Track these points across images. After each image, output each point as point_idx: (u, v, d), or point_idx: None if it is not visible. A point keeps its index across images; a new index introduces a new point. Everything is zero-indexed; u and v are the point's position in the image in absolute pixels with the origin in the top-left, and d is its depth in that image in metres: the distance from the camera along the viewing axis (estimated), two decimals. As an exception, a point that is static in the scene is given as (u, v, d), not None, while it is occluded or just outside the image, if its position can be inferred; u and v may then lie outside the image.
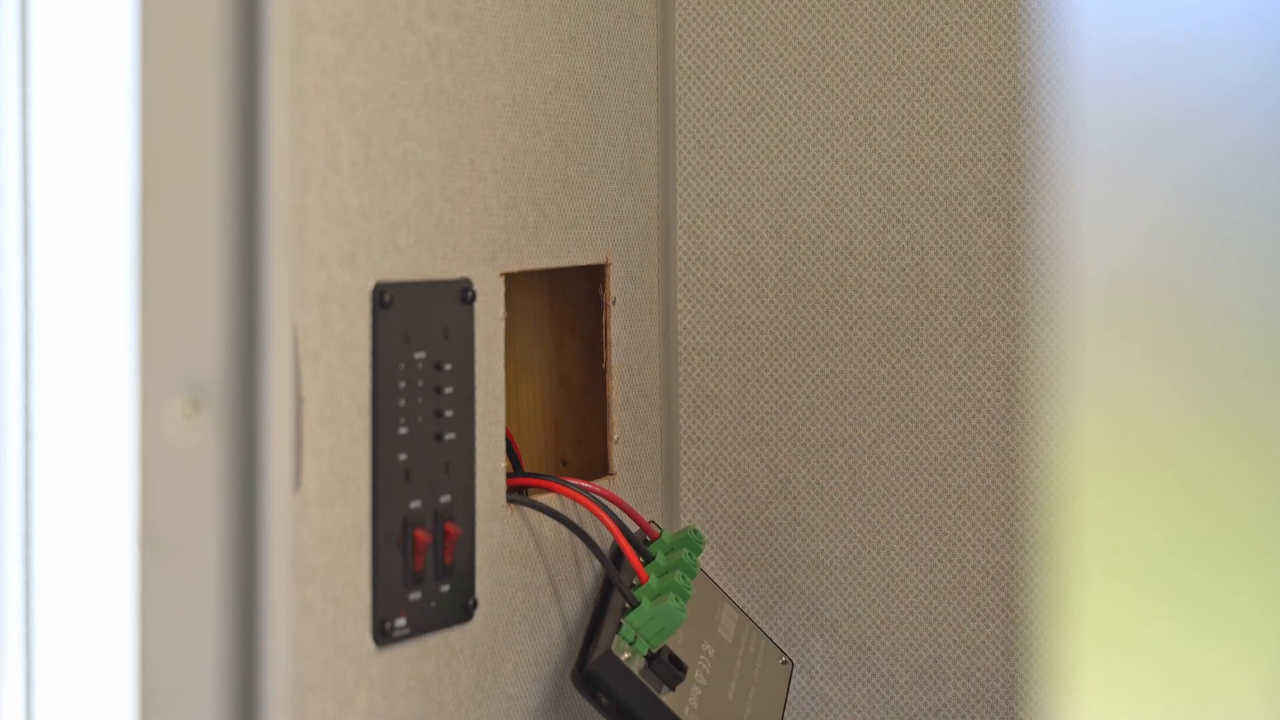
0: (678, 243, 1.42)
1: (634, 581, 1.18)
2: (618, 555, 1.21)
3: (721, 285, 1.42)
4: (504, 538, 1.14)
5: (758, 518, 1.43)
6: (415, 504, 1.04)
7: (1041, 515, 1.38)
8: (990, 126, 1.38)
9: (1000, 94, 1.38)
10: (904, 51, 1.39)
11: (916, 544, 1.40)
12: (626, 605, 1.16)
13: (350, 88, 0.98)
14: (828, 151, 1.41)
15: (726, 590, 1.38)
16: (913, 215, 1.40)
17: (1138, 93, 0.49)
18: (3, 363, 0.77)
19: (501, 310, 1.13)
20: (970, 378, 1.40)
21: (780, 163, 1.41)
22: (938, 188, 1.39)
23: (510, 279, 1.15)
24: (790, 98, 1.41)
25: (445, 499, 1.06)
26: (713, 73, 1.42)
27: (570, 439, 1.33)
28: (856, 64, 1.40)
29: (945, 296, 1.40)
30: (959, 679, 1.41)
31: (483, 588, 1.10)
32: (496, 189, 1.14)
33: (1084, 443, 0.50)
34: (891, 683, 1.42)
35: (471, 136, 1.11)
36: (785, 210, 1.41)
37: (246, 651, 0.78)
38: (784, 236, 1.42)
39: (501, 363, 1.13)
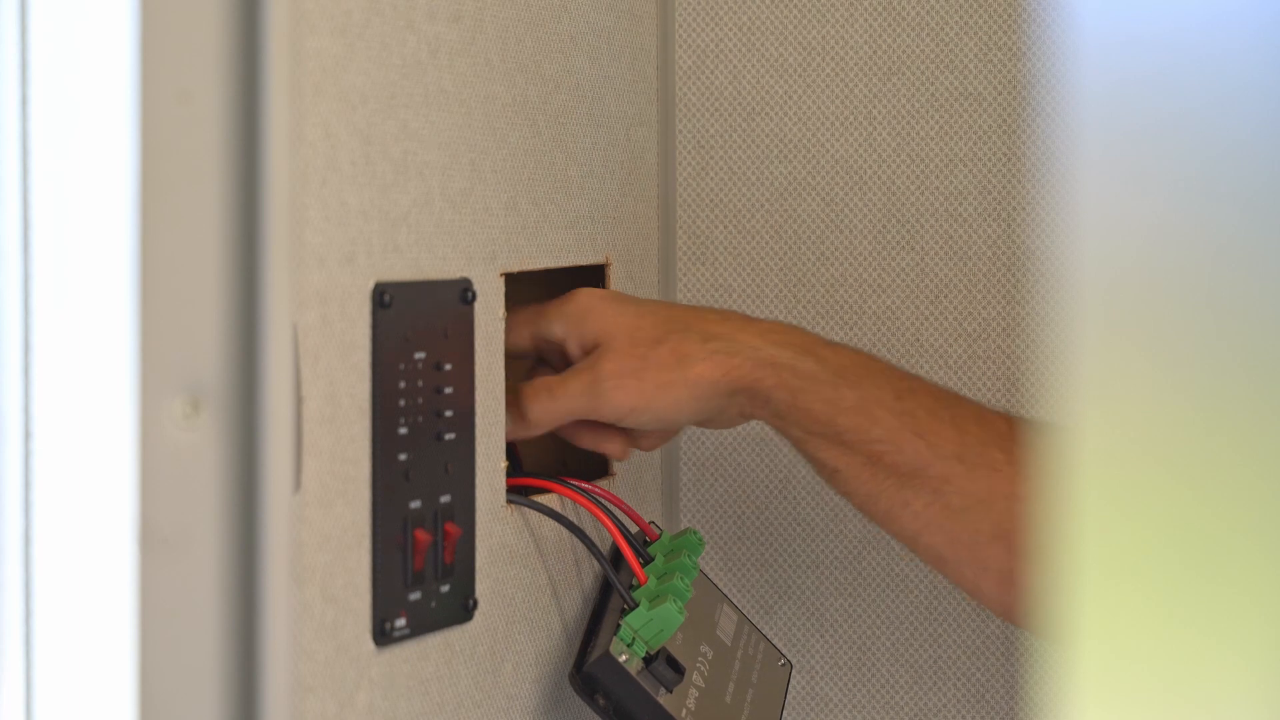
0: (678, 243, 1.42)
1: (633, 583, 1.18)
2: (617, 556, 1.21)
3: (721, 285, 1.42)
4: (504, 538, 1.14)
5: (758, 518, 1.43)
6: (415, 504, 1.04)
7: (1041, 516, 1.38)
8: (990, 126, 1.38)
9: (1000, 94, 1.38)
10: (904, 51, 1.39)
11: (916, 544, 1.40)
12: (625, 606, 1.16)
13: (350, 88, 0.98)
14: (828, 151, 1.41)
15: (726, 591, 1.38)
16: (913, 215, 1.40)
17: (1138, 93, 0.49)
18: (3, 363, 0.77)
19: (501, 310, 1.13)
20: (970, 378, 1.40)
21: (780, 163, 1.41)
22: (938, 188, 1.39)
23: (510, 279, 1.15)
24: (790, 98, 1.41)
25: (445, 499, 1.06)
26: (713, 73, 1.42)
27: (570, 439, 1.33)
28: (856, 64, 1.40)
29: (945, 296, 1.40)
30: (959, 679, 1.40)
31: (483, 588, 1.10)
32: (496, 189, 1.14)
33: (1084, 443, 0.50)
34: (891, 683, 1.42)
35: (471, 136, 1.11)
36: (785, 210, 1.41)
37: (246, 651, 0.78)
38: (784, 236, 1.42)
39: (501, 363, 1.13)
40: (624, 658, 1.13)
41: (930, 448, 1.16)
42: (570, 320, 1.19)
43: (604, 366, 1.16)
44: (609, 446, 1.21)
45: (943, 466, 1.16)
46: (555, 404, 1.16)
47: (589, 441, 1.20)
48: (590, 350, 1.18)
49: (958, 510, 1.16)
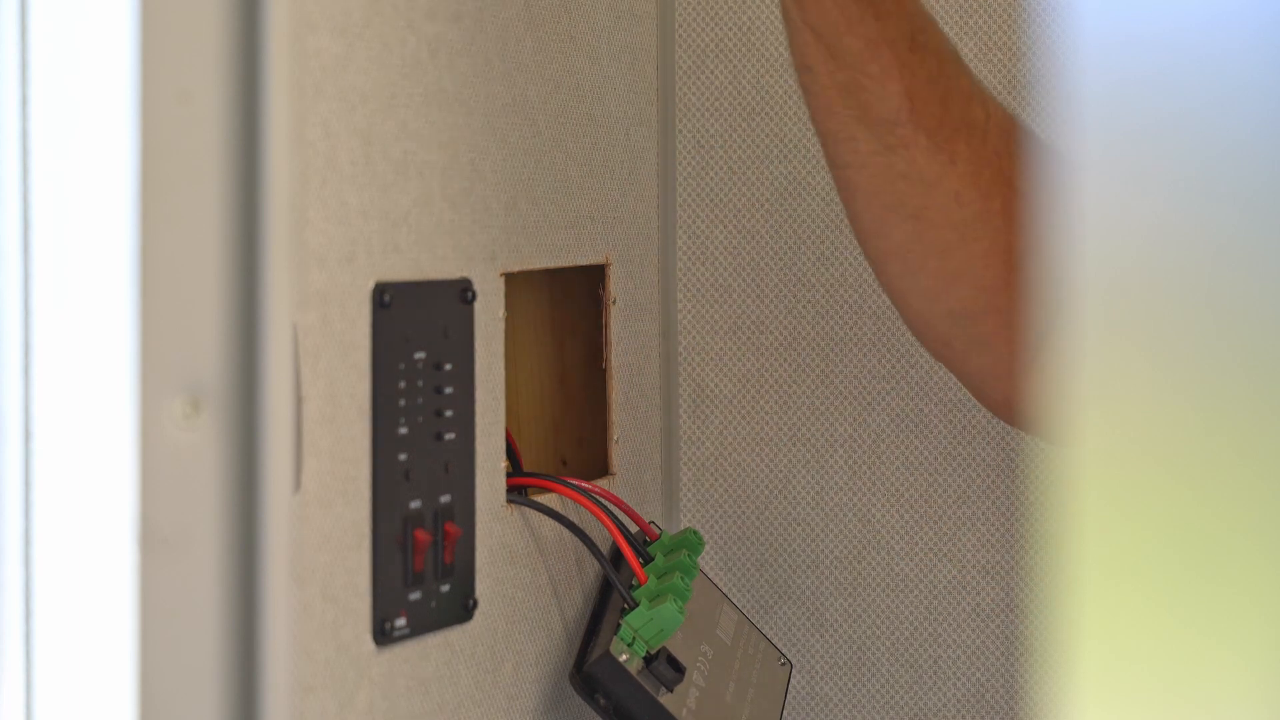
0: (678, 243, 1.42)
1: (633, 582, 1.18)
2: (617, 556, 1.21)
3: (721, 285, 1.42)
4: (504, 538, 1.14)
5: (758, 518, 1.42)
6: (415, 504, 1.04)
7: (1041, 515, 1.38)
8: (990, 127, 1.38)
9: (1000, 94, 1.38)
10: (904, 52, 1.39)
11: (916, 544, 1.40)
12: (625, 606, 1.16)
13: (350, 88, 0.98)
14: (828, 152, 1.41)
15: (726, 591, 1.38)
16: (913, 215, 1.40)
17: (1138, 93, 0.49)
18: (3, 363, 0.77)
19: (501, 310, 1.13)
20: (970, 378, 1.39)
21: (780, 163, 1.41)
22: (938, 188, 1.39)
23: (510, 279, 1.15)
24: (790, 97, 1.41)
25: (445, 499, 1.06)
26: (713, 73, 1.42)
27: (570, 439, 1.33)
28: (856, 64, 1.40)
29: (945, 297, 1.40)
30: (959, 679, 1.40)
31: (483, 588, 1.11)
32: (496, 189, 1.14)
33: (1084, 443, 0.50)
34: (891, 683, 1.42)
35: (471, 136, 1.11)
36: (785, 210, 1.41)
37: (246, 651, 0.78)
38: (784, 236, 1.42)
39: (501, 363, 1.13)
40: (624, 657, 1.13)
41: (912, 111, 1.10)
42: None
43: None
44: None
45: (909, 132, 1.10)
46: None
47: None
48: None
49: (897, 175, 1.11)
